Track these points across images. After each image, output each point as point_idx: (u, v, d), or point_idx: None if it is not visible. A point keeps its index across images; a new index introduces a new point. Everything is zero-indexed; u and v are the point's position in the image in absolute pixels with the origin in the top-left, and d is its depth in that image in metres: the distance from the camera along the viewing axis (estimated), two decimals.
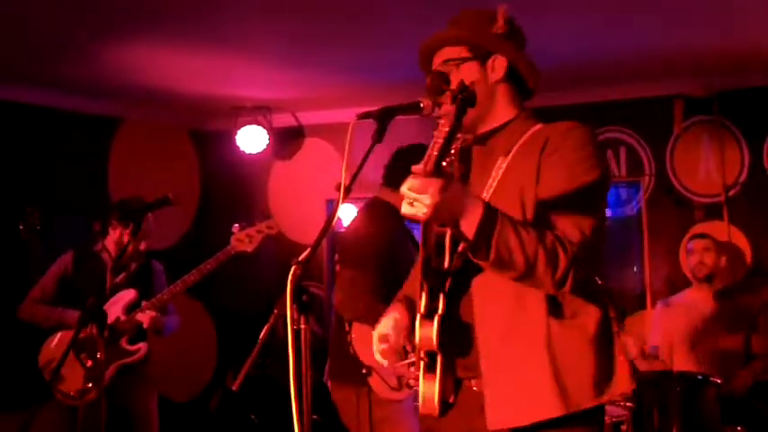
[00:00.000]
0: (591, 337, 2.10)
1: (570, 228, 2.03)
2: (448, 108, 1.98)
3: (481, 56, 2.25)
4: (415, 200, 1.90)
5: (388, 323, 2.32)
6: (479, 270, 2.12)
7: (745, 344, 4.67)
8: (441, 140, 1.93)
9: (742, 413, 4.33)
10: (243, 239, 4.05)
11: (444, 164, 1.93)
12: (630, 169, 5.69)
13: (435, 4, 2.74)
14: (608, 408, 4.36)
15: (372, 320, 2.51)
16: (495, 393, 2.11)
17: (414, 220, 2.01)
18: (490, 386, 2.12)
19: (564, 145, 2.12)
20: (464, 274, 2.15)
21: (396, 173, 3.68)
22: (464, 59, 2.24)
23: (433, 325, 2.12)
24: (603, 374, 2.11)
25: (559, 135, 2.15)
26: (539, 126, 2.24)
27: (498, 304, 2.13)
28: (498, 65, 2.25)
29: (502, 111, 2.28)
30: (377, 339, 2.32)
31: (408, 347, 2.27)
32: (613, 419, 4.39)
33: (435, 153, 1.91)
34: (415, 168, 1.91)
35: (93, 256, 4.33)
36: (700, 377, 4.11)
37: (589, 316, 2.12)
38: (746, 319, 4.73)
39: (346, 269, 3.63)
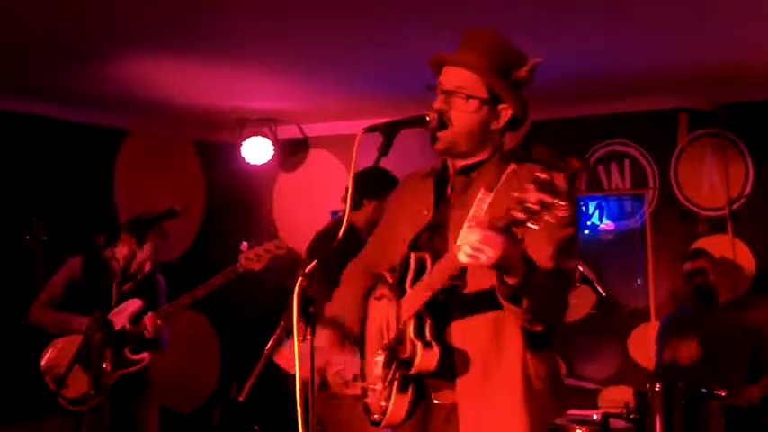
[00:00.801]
0: (555, 370, 2.28)
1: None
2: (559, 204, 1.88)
3: (494, 101, 2.26)
4: (479, 250, 1.93)
5: (339, 358, 2.47)
6: (458, 300, 2.21)
7: (751, 359, 4.65)
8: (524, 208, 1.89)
9: (746, 427, 4.32)
10: (251, 258, 4.05)
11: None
12: (635, 182, 5.69)
13: (441, 23, 2.77)
14: (612, 420, 4.39)
15: None
16: (466, 416, 2.20)
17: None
18: (463, 409, 2.21)
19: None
20: (443, 303, 2.21)
21: (360, 191, 3.87)
22: (478, 99, 2.25)
23: (435, 353, 2.18)
24: (559, 401, 2.30)
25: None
26: (513, 166, 2.21)
27: (477, 336, 2.21)
28: (504, 115, 2.28)
29: (486, 146, 2.31)
30: (338, 380, 2.48)
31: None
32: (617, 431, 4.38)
33: (514, 215, 1.90)
34: (478, 222, 1.99)
35: (102, 264, 4.35)
36: (704, 390, 4.10)
37: (550, 351, 2.28)
38: (751, 334, 4.72)
39: None
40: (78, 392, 4.03)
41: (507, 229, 1.92)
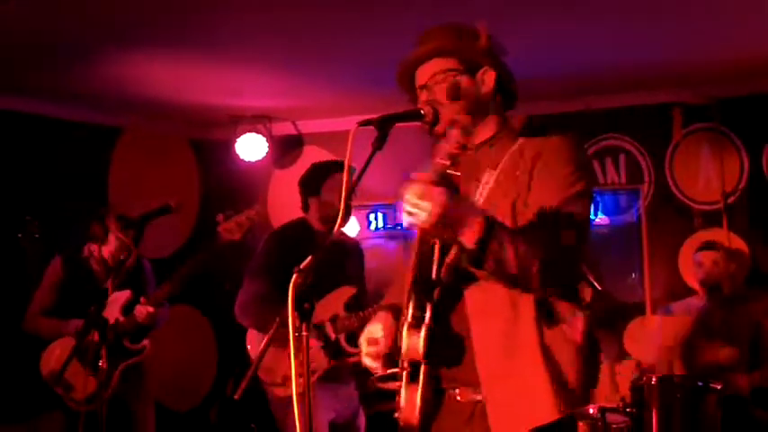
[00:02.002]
0: (578, 344, 2.14)
1: (554, 236, 2.06)
2: (465, 119, 1.99)
3: (471, 68, 2.26)
4: (416, 206, 1.91)
5: (376, 327, 2.35)
6: (470, 280, 2.15)
7: (750, 351, 4.66)
8: (453, 150, 1.94)
9: (742, 420, 4.32)
10: (231, 228, 3.98)
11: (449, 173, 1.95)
12: (630, 177, 5.70)
13: (434, 15, 2.74)
14: (609, 414, 4.38)
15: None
16: (496, 403, 2.13)
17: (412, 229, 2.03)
18: (491, 396, 2.14)
19: (553, 158, 2.15)
20: (454, 285, 2.16)
21: (309, 185, 4.05)
22: (455, 71, 2.25)
23: (420, 334, 2.13)
24: (590, 380, 2.17)
25: (549, 149, 2.18)
26: (521, 140, 2.25)
27: (493, 316, 2.15)
28: (488, 77, 2.27)
29: (490, 123, 2.30)
30: (365, 343, 2.35)
31: (397, 356, 2.28)
32: (614, 426, 4.38)
33: (444, 162, 1.92)
34: (416, 175, 1.93)
35: (82, 264, 4.36)
36: (700, 383, 4.10)
37: (576, 323, 2.16)
38: (749, 327, 4.73)
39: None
40: (84, 392, 4.03)
41: (442, 181, 1.90)
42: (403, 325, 2.18)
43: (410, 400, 2.17)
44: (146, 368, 4.43)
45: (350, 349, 3.77)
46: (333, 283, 3.90)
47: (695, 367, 4.69)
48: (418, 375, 2.16)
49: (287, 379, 3.63)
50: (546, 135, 2.22)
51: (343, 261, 4.04)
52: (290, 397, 3.71)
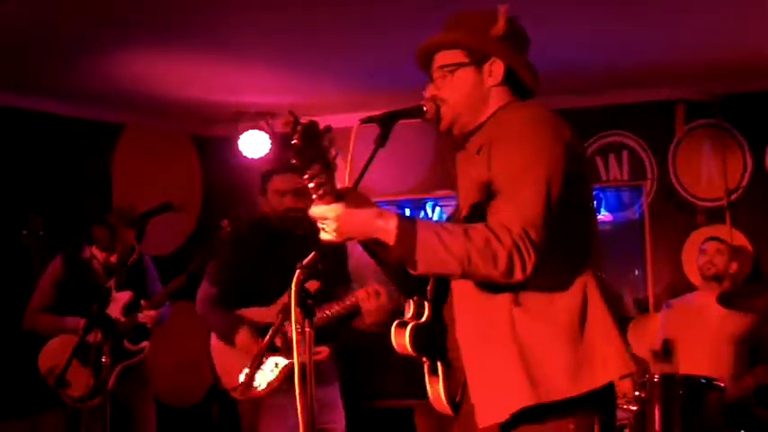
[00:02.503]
0: (562, 327, 2.05)
1: (511, 214, 1.97)
2: (296, 143, 1.94)
3: (478, 60, 2.21)
4: (325, 225, 1.95)
5: None
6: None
7: (751, 348, 4.66)
8: (314, 172, 1.91)
9: (744, 418, 4.32)
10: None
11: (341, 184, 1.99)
12: (632, 173, 5.69)
13: (436, 8, 2.74)
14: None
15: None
16: (477, 390, 2.12)
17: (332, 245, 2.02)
18: (473, 384, 2.13)
19: (511, 131, 2.10)
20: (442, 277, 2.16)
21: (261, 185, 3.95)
22: (459, 65, 2.21)
23: (405, 332, 2.17)
24: (578, 364, 2.04)
25: (511, 122, 2.13)
26: (507, 117, 2.19)
27: (470, 303, 2.13)
28: (495, 69, 2.21)
29: (489, 112, 2.24)
30: None
31: None
32: (616, 422, 4.38)
33: (319, 181, 1.92)
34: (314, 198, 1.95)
35: (84, 264, 4.37)
36: (703, 381, 4.10)
37: (561, 305, 2.07)
38: (750, 323, 4.72)
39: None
40: (82, 390, 4.04)
41: (336, 198, 1.92)
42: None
43: (435, 392, 2.21)
44: (147, 365, 4.44)
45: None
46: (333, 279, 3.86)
47: (700, 360, 4.68)
48: (437, 367, 2.19)
49: (245, 383, 3.62)
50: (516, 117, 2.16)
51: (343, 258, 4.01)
52: (255, 401, 3.70)
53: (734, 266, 4.91)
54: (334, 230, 1.94)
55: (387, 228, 1.95)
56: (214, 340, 3.94)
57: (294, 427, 3.61)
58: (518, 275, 1.95)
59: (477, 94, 2.22)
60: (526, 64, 2.25)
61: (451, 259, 1.94)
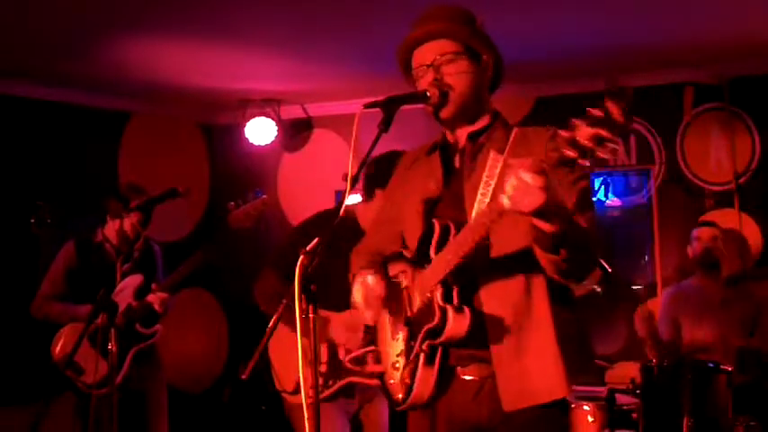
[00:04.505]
0: (574, 326, 2.23)
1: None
2: (588, 130, 1.77)
3: (475, 54, 2.27)
4: (524, 193, 1.85)
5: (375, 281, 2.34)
6: (484, 263, 2.18)
7: (754, 331, 4.65)
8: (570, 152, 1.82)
9: (753, 402, 4.31)
10: (241, 217, 4.04)
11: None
12: (640, 158, 5.67)
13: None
14: (618, 396, 4.38)
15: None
16: (507, 378, 2.17)
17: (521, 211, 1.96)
18: (502, 371, 2.17)
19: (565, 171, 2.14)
20: (469, 269, 2.17)
21: (372, 180, 3.60)
22: (460, 54, 2.25)
23: (466, 317, 2.15)
24: (576, 363, 2.24)
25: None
26: (517, 129, 2.28)
27: (507, 294, 2.18)
28: (490, 63, 2.29)
29: (486, 108, 2.33)
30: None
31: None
32: (624, 407, 4.38)
33: (566, 153, 1.83)
34: (519, 165, 1.87)
35: (96, 248, 4.36)
36: (711, 365, 4.10)
37: (570, 306, 2.24)
38: (754, 307, 4.71)
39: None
40: (95, 376, 4.06)
41: (553, 170, 1.87)
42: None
43: (426, 381, 2.22)
44: (159, 351, 4.46)
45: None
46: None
47: (696, 348, 4.68)
48: (435, 358, 2.21)
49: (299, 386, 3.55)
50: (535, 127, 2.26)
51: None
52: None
53: (729, 249, 4.90)
54: (532, 202, 1.85)
55: (558, 215, 1.97)
56: (275, 340, 3.68)
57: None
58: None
59: (479, 85, 2.28)
60: (502, 62, 2.34)
61: (587, 257, 2.10)
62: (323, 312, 2.63)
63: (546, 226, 1.92)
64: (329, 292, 2.47)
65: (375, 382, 3.29)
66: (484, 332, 2.18)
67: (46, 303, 4.36)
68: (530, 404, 2.16)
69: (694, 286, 4.90)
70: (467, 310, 2.15)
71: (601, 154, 1.74)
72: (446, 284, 2.18)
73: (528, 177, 1.84)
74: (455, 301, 2.17)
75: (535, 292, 2.18)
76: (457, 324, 2.14)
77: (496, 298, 2.18)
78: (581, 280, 2.13)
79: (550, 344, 2.18)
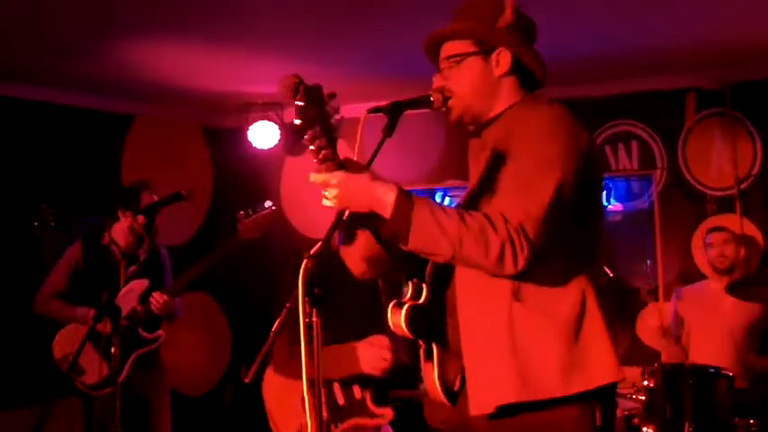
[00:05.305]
0: (559, 328, 2.06)
1: (513, 207, 1.98)
2: (297, 104, 1.99)
3: (485, 50, 2.22)
4: (327, 191, 1.99)
5: None
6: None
7: (762, 335, 4.65)
8: (315, 134, 1.98)
9: (754, 406, 4.31)
10: (250, 226, 4.06)
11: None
12: (642, 163, 5.68)
13: (445, 3, 2.74)
14: (619, 401, 4.37)
15: None
16: (472, 379, 2.12)
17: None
18: (469, 372, 2.13)
19: (530, 131, 2.10)
20: (445, 267, 2.16)
21: None
22: (467, 55, 2.22)
23: (401, 312, 2.16)
24: (570, 366, 2.05)
25: (530, 119, 2.13)
26: (527, 114, 2.19)
27: (473, 290, 2.13)
28: (503, 59, 2.22)
29: (503, 103, 2.25)
30: None
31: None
32: (625, 412, 4.38)
33: (320, 143, 1.97)
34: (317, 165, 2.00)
35: (102, 251, 4.37)
36: (712, 370, 4.10)
37: (562, 302, 2.08)
38: (762, 311, 4.71)
39: None
40: (95, 378, 4.08)
41: (338, 165, 1.96)
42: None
43: (429, 378, 2.20)
44: (162, 355, 4.46)
45: None
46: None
47: (711, 348, 4.68)
48: (432, 353, 2.19)
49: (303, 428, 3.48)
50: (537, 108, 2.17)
51: None
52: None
53: (742, 252, 4.91)
54: (335, 197, 1.97)
55: (385, 199, 1.98)
56: (271, 390, 3.64)
57: None
58: (509, 268, 1.96)
59: (485, 84, 2.22)
60: (534, 54, 2.25)
61: (444, 240, 1.95)
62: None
63: (378, 220, 2.00)
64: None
65: (379, 421, 3.32)
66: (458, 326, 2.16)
67: (46, 300, 4.36)
68: (483, 411, 2.08)
69: (704, 290, 4.90)
70: (407, 304, 2.17)
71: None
72: (419, 281, 2.20)
73: (321, 178, 2.01)
74: (424, 296, 2.19)
75: (498, 289, 2.08)
76: (393, 320, 2.19)
77: (466, 297, 2.14)
78: (496, 269, 1.97)
79: (503, 348, 2.06)
